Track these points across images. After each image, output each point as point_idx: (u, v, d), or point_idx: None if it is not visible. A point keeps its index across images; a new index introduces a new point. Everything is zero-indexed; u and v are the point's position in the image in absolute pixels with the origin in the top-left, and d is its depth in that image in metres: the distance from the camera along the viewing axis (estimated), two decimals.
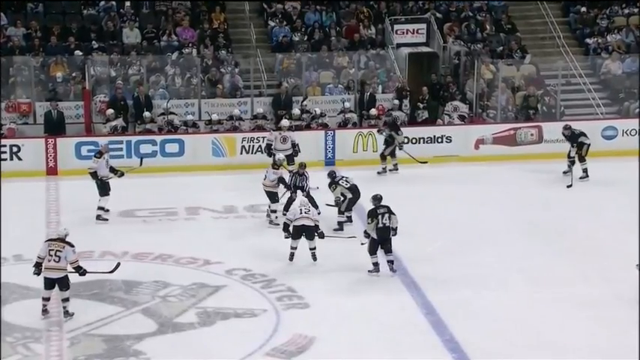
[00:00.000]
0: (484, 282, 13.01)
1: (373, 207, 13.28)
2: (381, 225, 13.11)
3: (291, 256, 13.74)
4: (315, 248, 13.71)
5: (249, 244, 14.59)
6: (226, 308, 12.15)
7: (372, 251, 13.23)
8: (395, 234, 13.27)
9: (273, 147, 17.68)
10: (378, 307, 12.24)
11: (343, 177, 15.36)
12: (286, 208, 14.94)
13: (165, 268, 13.56)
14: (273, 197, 15.44)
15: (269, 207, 15.56)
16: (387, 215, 13.17)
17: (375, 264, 13.22)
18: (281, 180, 15.39)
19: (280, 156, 16.47)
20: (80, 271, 11.83)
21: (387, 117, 19.22)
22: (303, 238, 13.68)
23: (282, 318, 11.90)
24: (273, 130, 18.28)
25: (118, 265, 12.44)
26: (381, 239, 13.15)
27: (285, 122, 18.19)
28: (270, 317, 11.93)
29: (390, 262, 13.23)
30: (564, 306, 12.24)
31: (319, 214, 14.44)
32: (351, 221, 15.15)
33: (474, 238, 14.82)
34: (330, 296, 12.60)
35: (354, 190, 15.01)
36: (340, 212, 14.97)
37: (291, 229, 13.66)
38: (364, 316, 11.98)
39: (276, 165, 15.72)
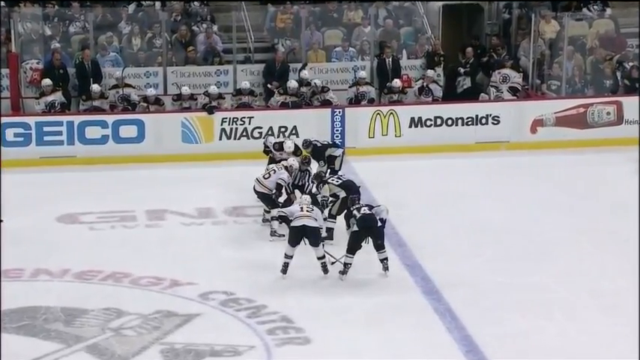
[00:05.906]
0: (545, 310, 13.04)
1: (349, 209, 14.16)
2: (359, 215, 13.77)
3: (285, 268, 13.84)
4: (324, 257, 13.89)
5: (230, 260, 14.64)
6: (200, 344, 12.15)
7: (351, 250, 13.78)
8: (383, 226, 13.89)
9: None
10: (402, 343, 12.23)
11: (333, 174, 15.77)
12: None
13: (120, 291, 13.61)
14: (269, 201, 15.40)
15: (265, 211, 15.64)
16: (365, 207, 13.89)
17: (347, 265, 13.78)
18: (278, 188, 15.37)
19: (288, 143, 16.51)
20: None
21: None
22: (301, 248, 13.78)
23: (275, 356, 11.92)
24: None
25: None
26: (365, 228, 13.70)
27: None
28: (258, 356, 11.94)
29: (384, 260, 13.87)
30: None
31: (325, 219, 14.55)
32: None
33: (531, 252, 14.88)
34: (337, 328, 12.62)
35: (349, 188, 15.05)
36: (331, 216, 15.10)
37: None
38: (383, 355, 11.98)
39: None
